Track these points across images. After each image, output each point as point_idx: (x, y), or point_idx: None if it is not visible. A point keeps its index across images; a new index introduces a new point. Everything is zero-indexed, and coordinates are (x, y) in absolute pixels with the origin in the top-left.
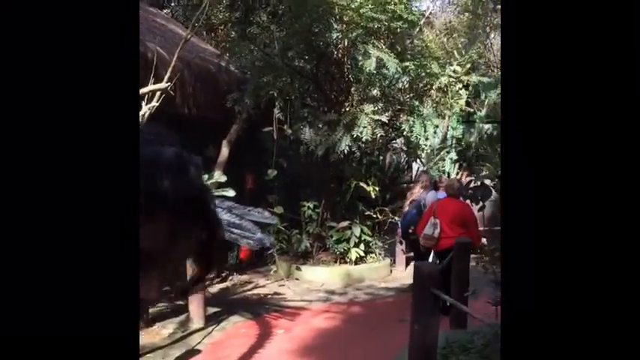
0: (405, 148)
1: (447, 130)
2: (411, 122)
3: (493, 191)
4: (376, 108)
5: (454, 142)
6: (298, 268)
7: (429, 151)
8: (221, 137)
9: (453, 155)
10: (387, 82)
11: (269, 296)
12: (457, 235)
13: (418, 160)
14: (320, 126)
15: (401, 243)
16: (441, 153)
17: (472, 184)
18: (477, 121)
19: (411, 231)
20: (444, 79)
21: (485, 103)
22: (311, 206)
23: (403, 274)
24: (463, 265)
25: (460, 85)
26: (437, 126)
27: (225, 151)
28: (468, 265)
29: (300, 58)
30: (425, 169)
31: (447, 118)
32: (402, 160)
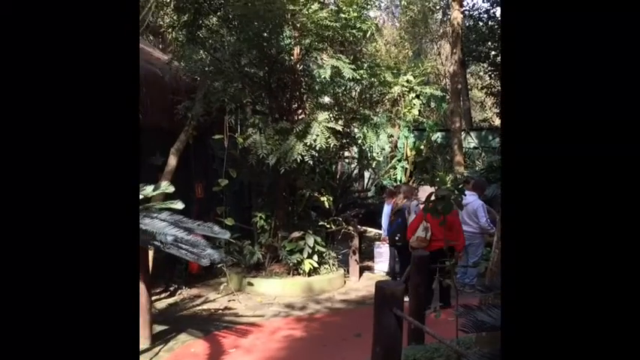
0: (357, 157)
1: (398, 138)
2: (365, 131)
3: (454, 205)
4: (330, 116)
5: (409, 150)
6: (250, 284)
7: (380, 159)
8: (169, 145)
9: (404, 164)
10: (341, 90)
11: (220, 311)
12: (444, 237)
13: (370, 169)
14: (272, 134)
15: (354, 253)
16: (392, 162)
17: (432, 197)
18: (427, 130)
19: (397, 238)
20: (397, 89)
21: (436, 113)
22: (263, 216)
23: (357, 285)
24: (420, 279)
25: (413, 95)
26: (391, 135)
27: (173, 159)
28: (426, 279)
29: (251, 64)
30: (378, 178)
31: (397, 127)
32: (354, 169)
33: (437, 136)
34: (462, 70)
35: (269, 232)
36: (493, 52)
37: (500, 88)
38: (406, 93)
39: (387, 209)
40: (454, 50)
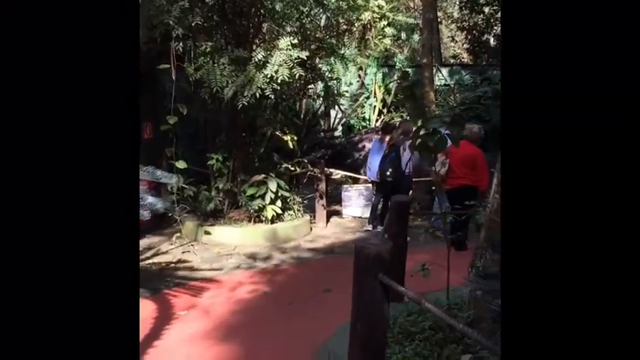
0: (322, 94)
1: (366, 74)
2: (332, 62)
3: (448, 140)
4: (292, 43)
5: (377, 88)
6: (207, 232)
7: (347, 96)
8: None
9: (373, 101)
10: (305, 13)
11: (172, 265)
12: (464, 175)
13: (336, 107)
14: (227, 64)
15: (321, 197)
16: (360, 99)
17: (422, 132)
18: (398, 64)
19: (388, 173)
20: (367, 15)
21: (405, 46)
22: (220, 158)
23: (325, 232)
24: (399, 227)
25: (385, 23)
26: (360, 67)
27: None
28: (406, 228)
29: None
30: (345, 117)
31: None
32: (320, 106)
33: (408, 71)
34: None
35: (227, 176)
36: None
37: (470, 23)
38: (377, 20)
39: (376, 146)
40: None
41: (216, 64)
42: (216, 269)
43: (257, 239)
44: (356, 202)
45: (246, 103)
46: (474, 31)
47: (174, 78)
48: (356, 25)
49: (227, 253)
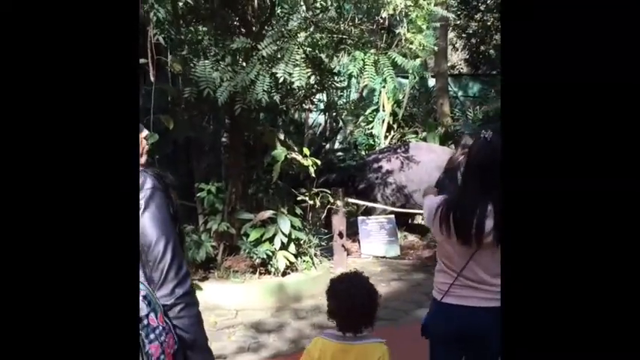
0: (323, 103)
1: (365, 85)
2: (362, 62)
3: None
4: (316, 37)
5: (386, 99)
6: (197, 287)
7: (350, 108)
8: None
9: (382, 115)
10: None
11: None
12: None
13: (340, 120)
14: (224, 58)
15: (340, 236)
16: (367, 112)
17: None
18: (413, 72)
19: None
20: (399, 2)
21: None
22: (213, 190)
23: None
24: None
25: (418, 13)
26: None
27: None
28: None
29: None
30: (350, 133)
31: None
32: (318, 119)
33: (414, 82)
34: None
35: (223, 213)
36: None
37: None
38: (410, 10)
39: None
40: None
41: (207, 58)
42: (216, 356)
43: (265, 299)
44: (377, 238)
45: (244, 107)
46: (473, 40)
47: (152, 79)
48: (383, 15)
49: (227, 322)
